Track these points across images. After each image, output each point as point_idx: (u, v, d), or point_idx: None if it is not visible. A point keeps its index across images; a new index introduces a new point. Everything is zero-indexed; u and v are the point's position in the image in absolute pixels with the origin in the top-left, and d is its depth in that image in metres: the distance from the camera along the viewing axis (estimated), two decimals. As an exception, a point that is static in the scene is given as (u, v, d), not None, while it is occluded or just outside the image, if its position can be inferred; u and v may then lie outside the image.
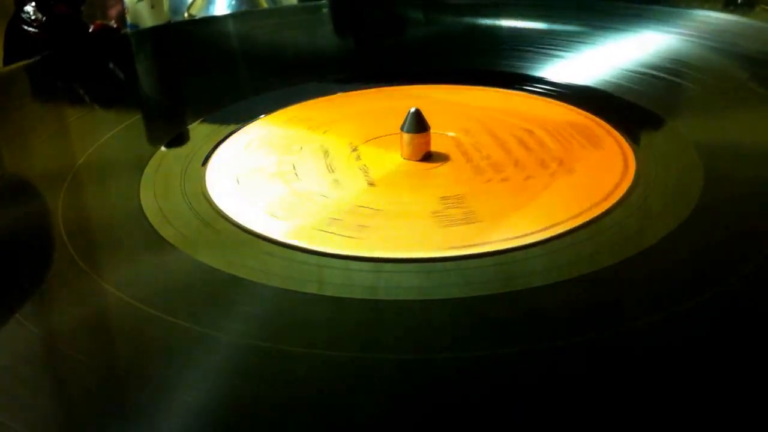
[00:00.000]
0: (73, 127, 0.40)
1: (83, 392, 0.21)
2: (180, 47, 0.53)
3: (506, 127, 0.37)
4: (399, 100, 0.41)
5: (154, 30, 0.57)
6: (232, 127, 0.38)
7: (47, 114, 0.42)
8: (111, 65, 0.50)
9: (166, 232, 0.29)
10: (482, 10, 0.54)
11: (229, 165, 0.35)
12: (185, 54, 0.52)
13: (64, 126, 0.40)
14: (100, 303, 0.25)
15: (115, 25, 0.55)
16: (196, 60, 0.50)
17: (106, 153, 0.36)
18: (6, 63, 0.51)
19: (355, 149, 0.36)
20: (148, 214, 0.30)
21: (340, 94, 0.43)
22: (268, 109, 0.41)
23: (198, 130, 0.39)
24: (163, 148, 0.37)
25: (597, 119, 0.37)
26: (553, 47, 0.46)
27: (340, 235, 0.28)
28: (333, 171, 0.34)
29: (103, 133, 0.38)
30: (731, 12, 0.52)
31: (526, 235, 0.27)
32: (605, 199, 0.29)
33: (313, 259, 0.27)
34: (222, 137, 0.37)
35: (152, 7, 0.57)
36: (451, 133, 0.36)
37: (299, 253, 0.27)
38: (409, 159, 0.34)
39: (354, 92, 0.44)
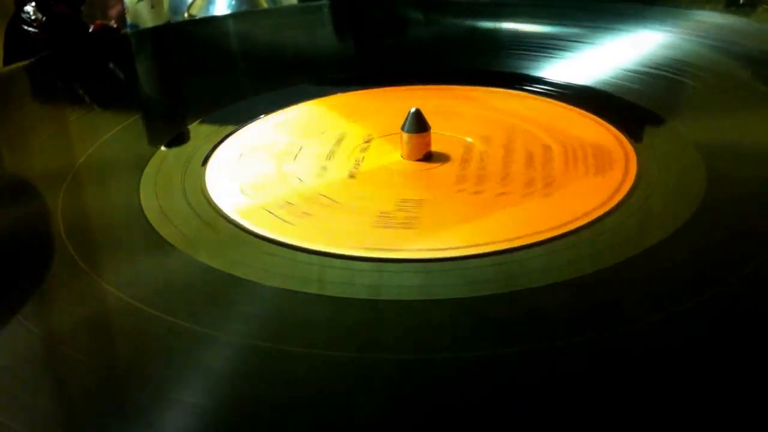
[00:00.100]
0: (73, 127, 0.40)
1: (83, 392, 0.21)
2: (180, 47, 0.53)
3: (527, 140, 0.35)
4: (445, 99, 0.41)
5: (154, 30, 0.57)
6: (231, 127, 0.38)
7: (47, 114, 0.42)
8: (111, 65, 0.50)
9: (166, 232, 0.29)
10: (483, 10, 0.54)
11: (247, 143, 0.35)
12: (185, 54, 0.52)
13: (64, 126, 0.40)
14: (100, 303, 0.25)
15: (115, 25, 0.55)
16: (196, 60, 0.50)
17: (106, 153, 0.36)
18: (6, 63, 0.51)
19: (367, 141, 0.35)
20: (148, 214, 0.30)
21: (391, 88, 0.43)
22: (268, 109, 0.41)
23: (198, 130, 0.39)
24: (163, 148, 0.37)
25: (619, 134, 0.35)
26: (553, 47, 0.46)
27: (281, 219, 0.29)
28: (330, 159, 0.34)
29: (103, 133, 0.38)
30: (733, 13, 0.52)
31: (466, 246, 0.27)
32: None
33: (255, 242, 0.28)
34: (222, 137, 0.37)
35: (152, 7, 0.57)
36: (469, 139, 0.35)
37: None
38: (407, 158, 0.34)
39: (404, 87, 0.43)
